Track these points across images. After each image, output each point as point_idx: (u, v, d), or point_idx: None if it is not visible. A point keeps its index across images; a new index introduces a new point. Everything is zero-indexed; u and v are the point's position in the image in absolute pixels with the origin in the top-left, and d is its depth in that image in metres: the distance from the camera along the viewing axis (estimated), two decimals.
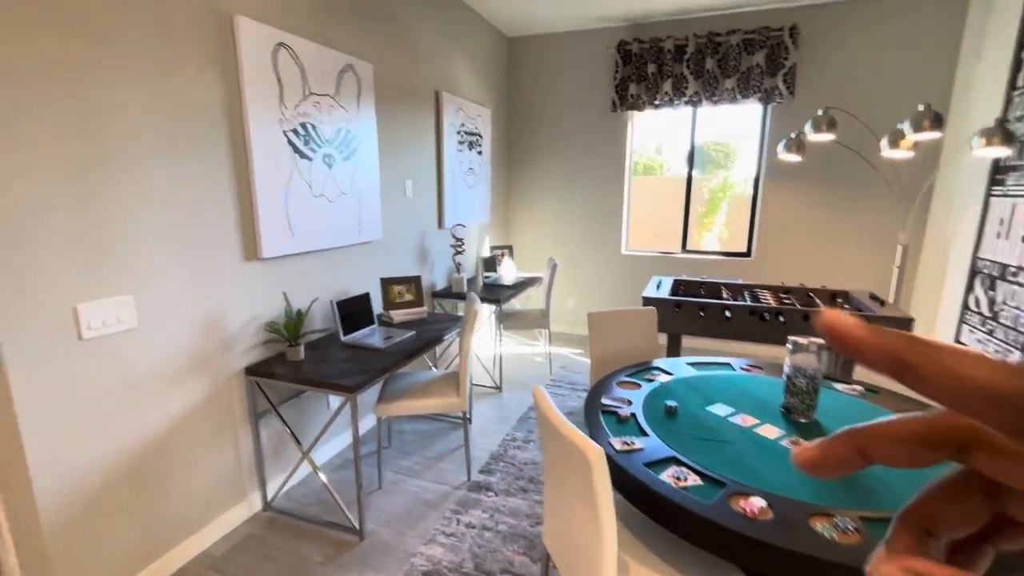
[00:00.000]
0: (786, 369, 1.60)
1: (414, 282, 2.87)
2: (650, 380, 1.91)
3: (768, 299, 3.01)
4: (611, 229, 4.60)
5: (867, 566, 0.17)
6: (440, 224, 3.63)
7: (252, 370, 2.09)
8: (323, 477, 2.18)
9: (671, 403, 1.65)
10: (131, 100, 1.60)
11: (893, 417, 0.18)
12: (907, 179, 3.47)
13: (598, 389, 1.84)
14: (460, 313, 3.96)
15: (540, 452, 2.70)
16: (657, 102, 4.07)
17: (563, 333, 4.89)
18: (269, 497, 2.27)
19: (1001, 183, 2.81)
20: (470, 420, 3.08)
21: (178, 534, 1.89)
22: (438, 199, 3.59)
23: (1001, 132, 2.22)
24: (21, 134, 1.35)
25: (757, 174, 4.10)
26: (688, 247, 4.48)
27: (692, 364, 2.12)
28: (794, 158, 3.23)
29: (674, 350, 2.99)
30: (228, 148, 1.95)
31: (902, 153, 2.70)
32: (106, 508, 1.64)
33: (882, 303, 2.73)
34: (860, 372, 2.11)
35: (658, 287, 3.24)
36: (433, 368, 3.28)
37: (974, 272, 3.02)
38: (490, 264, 3.95)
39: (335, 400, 2.60)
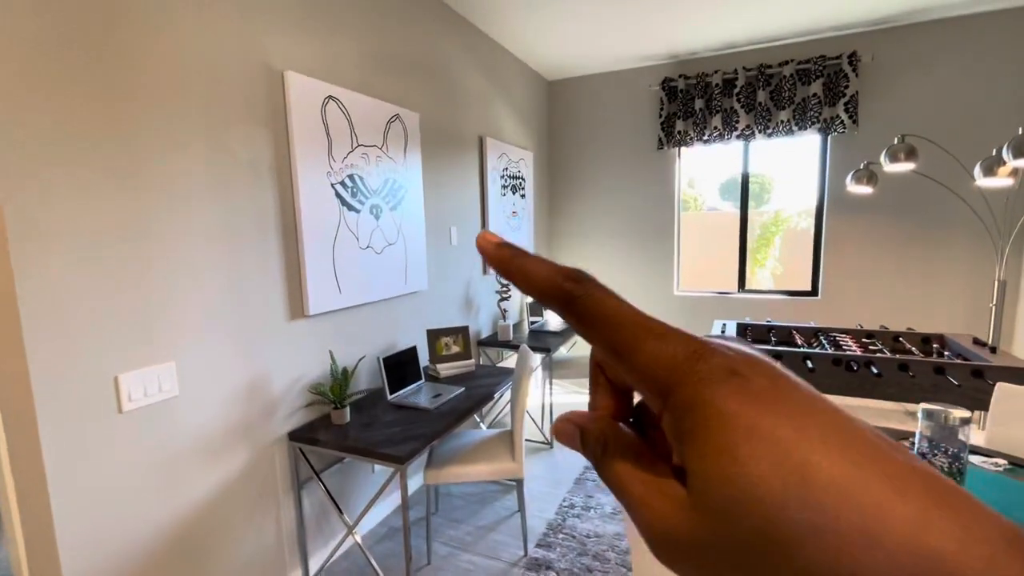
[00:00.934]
0: (918, 443, 1.33)
1: (461, 332, 2.73)
2: None
3: (850, 345, 2.70)
4: (662, 269, 4.37)
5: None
6: (485, 270, 3.52)
7: (296, 435, 1.95)
8: (371, 558, 1.98)
9: None
10: (178, 160, 1.55)
11: None
12: (999, 209, 3.14)
13: None
14: (506, 363, 3.77)
15: (604, 522, 2.43)
16: (706, 137, 3.91)
17: None
18: (311, 574, 2.08)
19: None
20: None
21: None
22: None
23: None
24: (69, 193, 1.29)
25: (819, 206, 3.83)
26: (746, 286, 4.19)
27: None
28: (864, 190, 2.99)
29: None
30: (276, 204, 1.89)
31: (1000, 181, 2.42)
32: None
33: (992, 349, 2.38)
34: (994, 438, 1.79)
35: (723, 332, 2.97)
36: (481, 425, 3.08)
37: None
38: (536, 308, 3.78)
39: (381, 467, 2.43)
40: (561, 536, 2.34)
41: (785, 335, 3.01)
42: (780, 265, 5.73)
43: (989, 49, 3.25)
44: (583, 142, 4.52)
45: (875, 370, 2.33)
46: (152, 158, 1.47)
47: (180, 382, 1.58)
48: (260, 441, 1.87)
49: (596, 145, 4.47)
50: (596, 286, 0.19)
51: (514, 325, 3.80)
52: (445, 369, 2.62)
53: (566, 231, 4.71)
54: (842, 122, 3.51)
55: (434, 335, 2.66)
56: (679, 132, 3.98)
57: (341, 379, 2.01)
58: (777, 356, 2.56)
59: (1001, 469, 1.50)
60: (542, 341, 3.27)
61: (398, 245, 2.54)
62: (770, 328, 3.05)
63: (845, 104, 3.48)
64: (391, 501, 2.61)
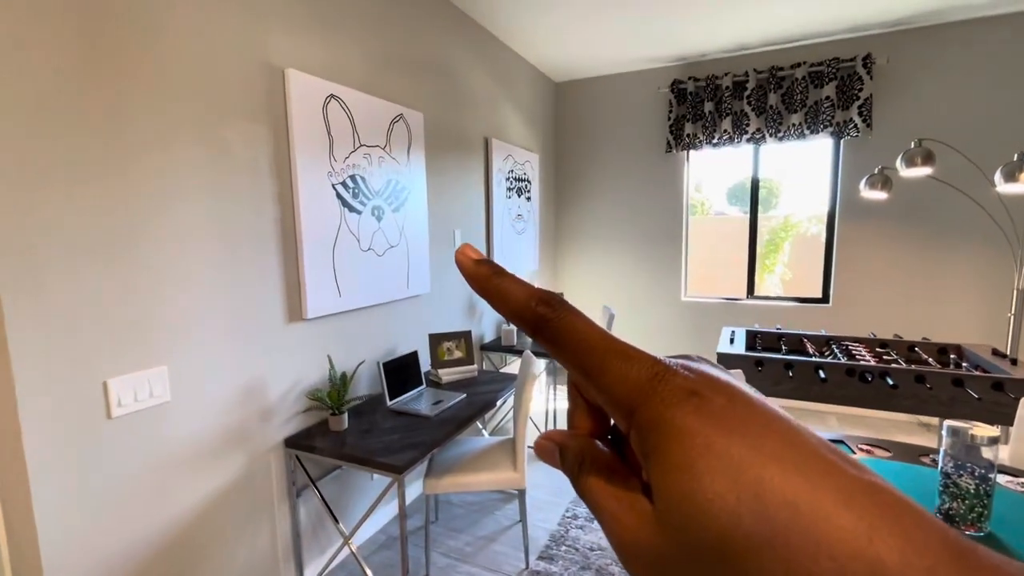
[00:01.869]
0: (941, 463, 1.26)
1: (463, 337, 2.67)
2: None
3: (864, 354, 2.62)
4: (669, 274, 4.30)
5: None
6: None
7: (292, 442, 1.90)
8: (368, 570, 1.92)
9: None
10: (175, 155, 1.51)
11: None
12: (1020, 216, 3.05)
13: None
14: (509, 369, 3.71)
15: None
16: (715, 140, 3.84)
17: None
18: None
19: None
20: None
21: None
22: (487, 247, 3.43)
23: None
24: (56, 189, 1.25)
25: (831, 212, 3.75)
26: (755, 292, 4.11)
27: None
28: (879, 195, 2.91)
29: None
30: (275, 204, 1.84)
31: (1023, 187, 2.33)
32: None
33: (1013, 361, 2.30)
34: (1017, 455, 1.71)
35: (731, 341, 2.90)
36: (483, 431, 3.02)
37: None
38: None
39: (379, 475, 2.38)
40: (563, 548, 2.27)
41: (796, 343, 2.93)
42: (789, 271, 5.64)
43: (1009, 51, 3.17)
44: (590, 145, 4.46)
45: (891, 381, 2.25)
46: (145, 154, 1.43)
47: (172, 387, 1.53)
48: (255, 448, 1.82)
49: (603, 148, 4.41)
50: (568, 310, 0.20)
51: (517, 330, 3.74)
52: (447, 374, 2.56)
53: (572, 234, 4.65)
54: (855, 126, 3.43)
55: (436, 340, 2.60)
56: (688, 135, 3.91)
57: (339, 384, 1.96)
58: (788, 365, 2.49)
59: None
60: None
61: (400, 247, 2.49)
62: (780, 336, 2.97)
63: (859, 107, 3.40)
64: (390, 509, 2.55)
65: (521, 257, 3.89)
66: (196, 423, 1.61)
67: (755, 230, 4.03)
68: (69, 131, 1.26)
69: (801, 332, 3.00)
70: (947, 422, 1.24)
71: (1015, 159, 2.31)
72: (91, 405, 1.34)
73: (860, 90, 3.39)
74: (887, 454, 1.68)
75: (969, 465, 1.21)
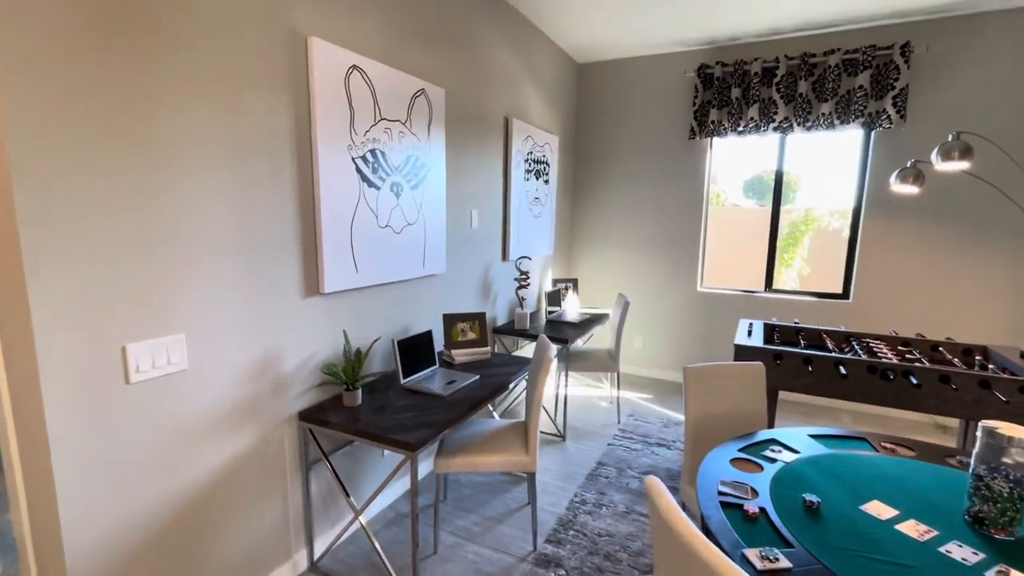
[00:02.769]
0: (973, 464, 1.22)
1: (478, 319, 2.65)
2: (770, 459, 1.56)
3: (885, 352, 2.56)
4: (686, 264, 4.24)
5: None
6: (505, 256, 3.42)
7: (306, 415, 1.90)
8: (377, 544, 1.93)
9: (811, 498, 1.30)
10: (195, 121, 1.48)
11: None
12: None
13: (707, 466, 1.51)
14: (521, 352, 3.70)
15: (616, 520, 2.35)
16: (741, 128, 3.74)
17: (629, 375, 4.51)
18: (316, 556, 2.05)
19: None
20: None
21: None
22: (503, 230, 3.39)
23: None
24: (82, 155, 1.23)
25: (857, 206, 3.65)
26: (773, 286, 4.04)
27: (816, 437, 1.75)
28: (910, 190, 2.81)
29: (771, 408, 2.58)
30: (294, 175, 1.81)
31: None
32: (140, 571, 1.46)
33: None
34: None
35: (749, 333, 2.85)
36: (495, 414, 3.02)
37: None
38: (553, 299, 3.69)
39: (391, 451, 2.38)
40: (571, 533, 2.27)
41: (815, 338, 2.88)
42: (807, 266, 5.54)
43: None
44: (611, 129, 4.37)
45: (914, 380, 2.20)
46: (166, 119, 1.40)
47: (189, 355, 1.53)
48: (269, 420, 1.82)
49: (624, 132, 4.32)
50: None
51: (531, 314, 3.71)
52: (460, 355, 2.55)
53: (588, 219, 4.59)
54: (888, 117, 3.31)
55: (450, 320, 2.59)
56: (712, 122, 3.81)
57: (354, 360, 1.95)
58: (807, 360, 2.44)
59: None
60: (560, 332, 3.18)
61: (417, 225, 2.46)
62: (799, 330, 2.92)
63: (893, 97, 3.28)
64: (400, 485, 2.57)
65: (537, 241, 3.85)
66: (212, 392, 1.61)
67: (777, 222, 3.94)
68: (94, 94, 1.23)
69: (820, 327, 2.95)
70: (982, 423, 1.20)
71: None
72: (110, 370, 1.33)
73: (896, 79, 3.27)
74: (911, 453, 1.64)
75: (1004, 469, 1.17)
